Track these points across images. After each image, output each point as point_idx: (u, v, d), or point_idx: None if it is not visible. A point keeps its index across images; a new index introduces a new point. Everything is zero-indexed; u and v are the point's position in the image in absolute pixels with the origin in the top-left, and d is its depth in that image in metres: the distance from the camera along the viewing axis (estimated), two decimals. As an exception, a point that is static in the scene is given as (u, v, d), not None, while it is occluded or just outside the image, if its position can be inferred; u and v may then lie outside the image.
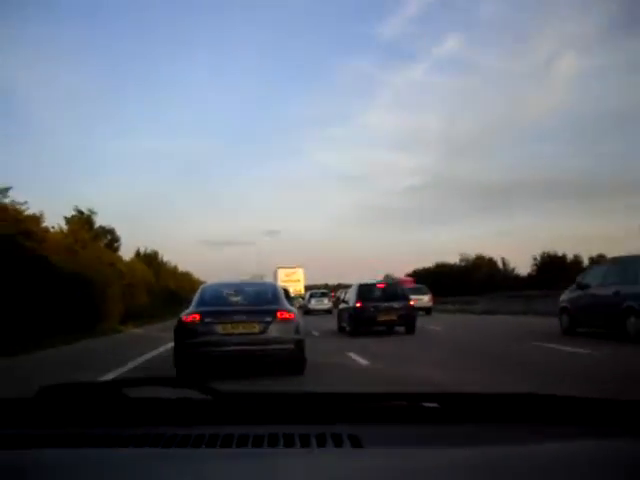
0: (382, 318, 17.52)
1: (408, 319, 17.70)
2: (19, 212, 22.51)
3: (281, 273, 52.76)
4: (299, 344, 8.92)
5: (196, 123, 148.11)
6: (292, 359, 8.85)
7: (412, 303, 18.37)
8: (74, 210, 41.36)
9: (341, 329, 19.28)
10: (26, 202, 22.56)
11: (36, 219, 24.39)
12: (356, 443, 1.14)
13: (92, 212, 44.44)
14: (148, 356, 12.49)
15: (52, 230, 31.57)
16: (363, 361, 10.59)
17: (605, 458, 1.04)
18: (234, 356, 8.66)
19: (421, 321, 20.63)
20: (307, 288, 51.42)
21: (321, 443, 1.15)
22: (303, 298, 40.02)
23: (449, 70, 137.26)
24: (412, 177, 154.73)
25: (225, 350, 8.61)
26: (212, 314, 8.93)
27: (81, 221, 33.46)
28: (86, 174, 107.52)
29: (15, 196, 22.97)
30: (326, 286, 55.99)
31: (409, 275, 61.36)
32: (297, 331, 9.05)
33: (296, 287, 49.59)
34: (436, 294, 51.88)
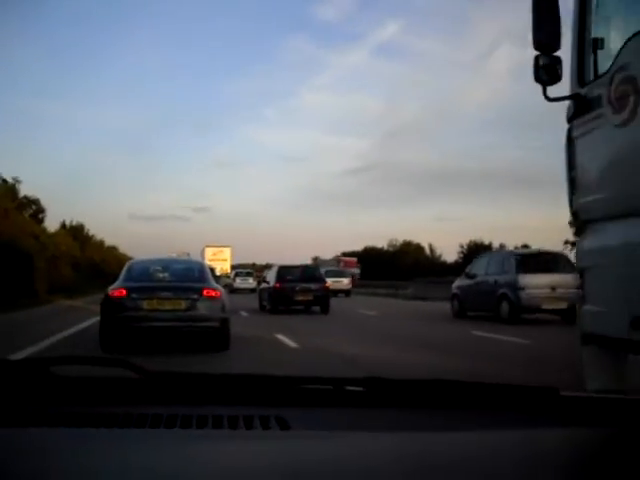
0: (299, 298, 19.02)
1: (323, 299, 19.14)
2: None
3: (208, 252, 52.82)
4: (224, 322, 9.10)
5: (131, 94, 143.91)
6: (217, 336, 8.99)
7: (327, 285, 20.08)
8: (-2, 178, 39.98)
9: (262, 307, 20.35)
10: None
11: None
12: (283, 425, 1.15)
13: (17, 181, 42.81)
14: (66, 333, 12.06)
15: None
16: (286, 339, 11.21)
17: (517, 445, 1.08)
18: (160, 332, 8.78)
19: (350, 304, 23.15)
20: (235, 267, 51.65)
21: (249, 425, 1.15)
22: (229, 277, 40.54)
23: (390, 54, 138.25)
24: (350, 161, 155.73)
25: (151, 326, 8.69)
26: (138, 290, 9.03)
27: (3, 189, 32.08)
28: (10, 140, 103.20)
29: None
30: (254, 265, 56.89)
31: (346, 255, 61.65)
32: (223, 309, 9.23)
33: (223, 266, 49.98)
34: (364, 278, 52.60)
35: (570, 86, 3.51)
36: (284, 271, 20.00)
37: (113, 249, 65.10)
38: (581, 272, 3.74)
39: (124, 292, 8.99)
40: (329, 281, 23.72)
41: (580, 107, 3.38)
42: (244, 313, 17.91)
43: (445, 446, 1.07)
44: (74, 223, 50.48)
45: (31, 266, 28.19)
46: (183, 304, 8.96)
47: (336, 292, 29.25)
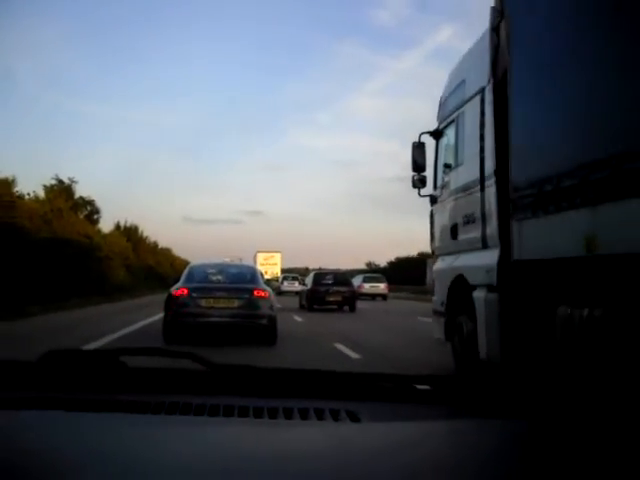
0: (330, 298, 22.88)
1: (350, 300, 23.14)
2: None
3: (260, 257, 55.17)
4: (271, 319, 10.17)
5: (187, 100, 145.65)
6: (266, 331, 10.05)
7: (354, 289, 24.57)
8: (54, 179, 39.85)
9: (302, 306, 23.92)
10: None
11: (6, 184, 22.59)
12: (354, 418, 1.17)
13: (72, 181, 42.68)
14: (120, 333, 11.45)
15: (27, 198, 29.93)
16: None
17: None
18: (215, 326, 9.91)
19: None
20: (285, 271, 53.42)
21: (320, 417, 1.18)
22: (277, 280, 42.52)
23: (444, 59, 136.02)
24: (402, 167, 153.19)
25: (207, 321, 9.87)
26: (198, 290, 10.14)
27: (58, 190, 31.52)
28: (70, 144, 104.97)
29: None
30: (307, 269, 57.50)
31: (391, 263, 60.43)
32: (271, 308, 10.33)
33: (273, 270, 52.37)
34: (418, 283, 51.11)
35: (432, 189, 7.82)
36: (319, 276, 24.13)
37: (167, 251, 64.92)
38: (433, 279, 7.88)
39: (185, 291, 10.10)
40: (367, 286, 32.14)
41: (433, 199, 7.67)
42: (286, 311, 19.66)
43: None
44: (128, 224, 50.03)
45: (83, 266, 27.43)
46: (236, 302, 10.04)
47: (374, 296, 33.25)
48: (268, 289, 10.96)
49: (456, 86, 7.07)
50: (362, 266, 47.98)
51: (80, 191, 41.20)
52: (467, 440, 1.06)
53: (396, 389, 1.35)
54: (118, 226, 47.84)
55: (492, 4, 5.94)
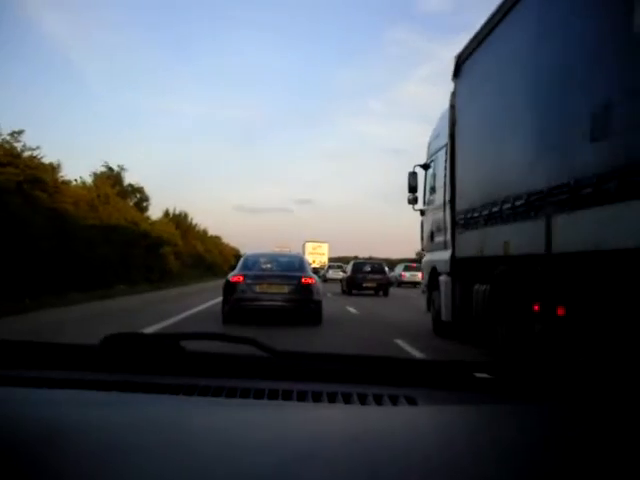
0: (366, 284, 26.01)
1: (384, 287, 26.31)
2: (31, 159, 19.95)
3: (309, 246, 56.98)
4: (317, 303, 11.23)
5: (238, 90, 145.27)
6: (312, 313, 11.09)
7: (388, 276, 28.08)
8: (103, 166, 39.48)
9: (343, 291, 26.87)
10: (38, 147, 19.95)
11: (51, 168, 21.88)
12: (412, 402, 1.17)
13: (122, 168, 42.20)
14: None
15: (75, 183, 29.35)
16: (354, 310, 16.11)
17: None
18: (267, 309, 10.99)
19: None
20: (337, 259, 56.82)
21: (378, 401, 1.18)
22: (323, 269, 44.50)
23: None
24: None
25: (261, 304, 10.96)
26: (252, 277, 11.20)
27: (105, 176, 30.88)
28: (125, 134, 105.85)
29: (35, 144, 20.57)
30: (356, 258, 56.97)
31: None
32: (316, 293, 11.29)
33: (321, 259, 53.90)
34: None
35: (422, 204, 11.01)
36: (357, 265, 27.34)
37: (216, 239, 64.44)
38: (423, 270, 11.43)
39: (241, 278, 11.15)
40: (407, 274, 36.86)
41: (422, 212, 11.03)
42: (329, 294, 21.21)
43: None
44: (177, 212, 49.45)
45: (130, 253, 26.72)
46: (286, 288, 11.07)
47: (415, 283, 33.92)
48: (314, 276, 11.92)
49: (435, 136, 10.31)
50: (413, 255, 46.90)
51: (132, 179, 40.98)
52: (524, 426, 1.05)
53: (454, 376, 1.32)
54: (167, 213, 47.27)
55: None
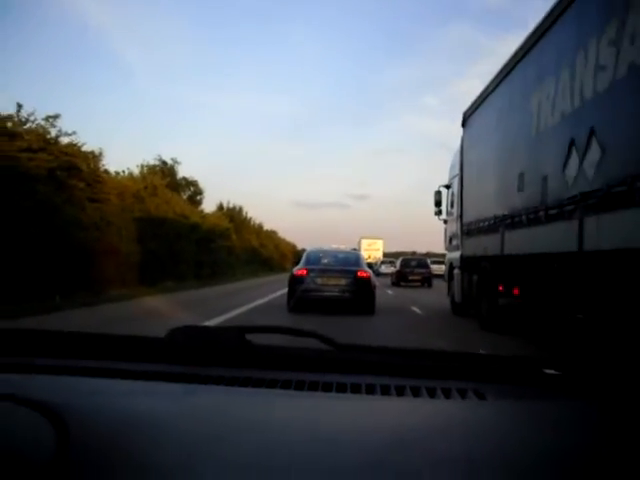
0: (411, 277, 30.32)
1: (428, 279, 30.00)
2: (69, 146, 18.09)
3: (364, 242, 60.78)
4: (371, 295, 12.70)
5: (296, 85, 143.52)
6: (366, 304, 12.46)
7: (431, 270, 31.10)
8: (156, 159, 38.14)
9: (393, 283, 30.60)
10: (74, 132, 18.08)
11: (92, 156, 20.03)
12: (480, 396, 1.14)
13: (175, 162, 40.94)
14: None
15: (122, 175, 27.66)
16: (392, 292, 23.47)
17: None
18: (327, 299, 12.46)
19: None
20: (393, 254, 57.26)
21: (447, 395, 1.15)
22: (377, 264, 46.58)
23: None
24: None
25: (321, 295, 12.50)
26: (314, 270, 12.69)
27: (156, 168, 28.95)
28: (180, 127, 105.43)
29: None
30: (414, 253, 57.87)
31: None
32: (371, 286, 12.75)
33: (376, 255, 56.52)
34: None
35: (445, 215, 14.74)
36: (404, 261, 32.12)
37: (272, 233, 62.57)
38: (445, 264, 16.15)
39: (305, 272, 12.67)
40: (435, 267, 33.45)
41: (445, 221, 14.82)
42: (380, 285, 21.49)
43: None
44: (231, 205, 47.59)
45: (178, 247, 24.79)
46: (343, 281, 12.54)
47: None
48: (369, 271, 13.28)
49: (452, 166, 13.95)
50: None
51: (188, 173, 39.50)
52: (593, 425, 1.03)
53: (523, 371, 1.29)
54: (221, 207, 45.46)
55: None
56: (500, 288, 9.39)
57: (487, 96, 10.38)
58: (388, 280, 32.98)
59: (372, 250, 58.35)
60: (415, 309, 14.72)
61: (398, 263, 32.71)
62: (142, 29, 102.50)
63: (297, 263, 13.79)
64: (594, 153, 5.82)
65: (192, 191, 45.17)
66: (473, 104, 11.47)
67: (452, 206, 13.76)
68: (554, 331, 7.54)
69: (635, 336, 5.06)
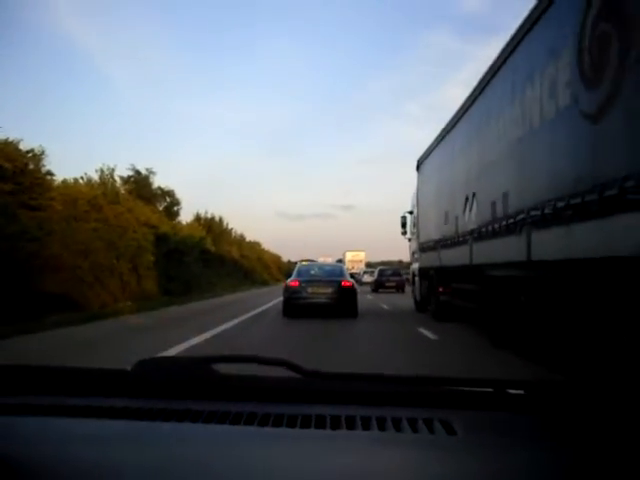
0: (387, 284, 34.26)
1: (401, 286, 33.38)
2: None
3: (348, 255, 64.24)
4: (353, 301, 14.38)
5: (276, 96, 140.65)
6: (349, 309, 14.18)
7: (403, 278, 33.57)
8: (129, 168, 34.92)
9: (372, 290, 34.24)
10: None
11: (33, 156, 16.59)
12: (449, 430, 1.09)
13: (150, 172, 38.10)
14: None
15: (81, 181, 24.19)
16: (370, 296, 26.98)
17: None
18: (316, 305, 14.07)
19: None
20: (381, 263, 60.57)
21: (414, 428, 1.10)
22: (359, 274, 50.00)
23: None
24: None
25: (311, 301, 14.15)
26: (305, 281, 14.46)
27: (109, 173, 25.33)
28: (159, 139, 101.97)
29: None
30: (400, 262, 58.83)
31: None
32: (353, 293, 14.49)
33: (359, 265, 60.30)
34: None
35: (409, 234, 17.65)
36: (381, 270, 36.91)
37: (255, 245, 59.06)
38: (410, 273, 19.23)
39: (297, 282, 14.41)
40: (365, 276, 45.79)
41: (409, 239, 17.79)
42: (361, 292, 21.66)
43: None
44: (209, 215, 44.04)
45: (139, 260, 21.33)
46: (330, 289, 14.22)
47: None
48: (352, 280, 15.21)
49: (413, 196, 16.50)
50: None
51: (165, 184, 36.13)
52: (564, 444, 1.02)
53: (488, 395, 1.26)
54: (198, 217, 41.92)
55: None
56: (441, 289, 12.69)
57: (431, 151, 13.67)
58: (369, 288, 36.41)
59: (355, 262, 61.67)
60: (385, 307, 19.13)
61: (376, 273, 37.14)
62: (117, 37, 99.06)
63: (289, 276, 15.57)
64: (474, 209, 9.51)
65: (168, 202, 41.87)
66: (423, 154, 14.68)
67: (414, 227, 16.43)
68: (469, 317, 10.79)
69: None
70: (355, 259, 62.95)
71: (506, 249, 7.45)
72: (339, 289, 14.16)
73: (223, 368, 1.32)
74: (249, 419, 1.13)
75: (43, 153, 17.83)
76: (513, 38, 7.40)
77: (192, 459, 0.93)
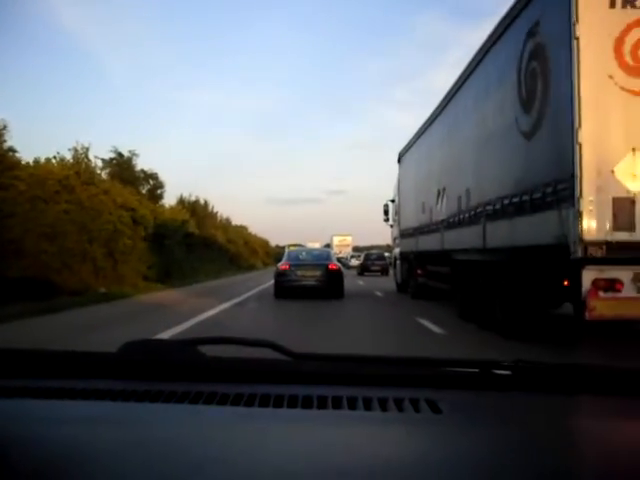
0: (372, 268, 35.77)
1: (385, 269, 34.08)
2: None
3: (335, 239, 65.62)
4: (340, 283, 15.34)
5: (267, 81, 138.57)
6: (336, 290, 15.09)
7: (387, 262, 34.34)
8: (112, 151, 33.24)
9: (359, 273, 35.87)
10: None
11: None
12: (435, 408, 1.09)
13: (133, 154, 36.66)
14: None
15: (54, 161, 22.53)
16: (353, 277, 29.13)
17: None
18: (305, 287, 14.94)
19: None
20: (369, 248, 61.03)
21: (400, 407, 1.11)
22: (347, 258, 51.79)
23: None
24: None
25: (300, 284, 15.01)
26: (295, 265, 15.43)
27: (83, 153, 23.57)
28: (147, 124, 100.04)
29: None
30: (389, 246, 56.71)
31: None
32: (340, 275, 15.45)
33: (346, 249, 61.60)
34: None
35: (391, 221, 19.01)
36: (367, 255, 39.18)
37: (242, 229, 57.47)
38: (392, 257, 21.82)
39: (287, 266, 15.35)
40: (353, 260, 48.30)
41: (391, 226, 18.98)
42: (349, 275, 25.15)
43: (596, 436, 1.01)
44: (193, 198, 42.34)
45: (114, 245, 19.79)
46: (318, 272, 15.09)
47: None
48: (338, 264, 16.13)
49: (395, 186, 17.83)
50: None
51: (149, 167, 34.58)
52: (550, 421, 1.05)
53: (474, 375, 1.27)
54: (182, 200, 40.27)
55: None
56: (419, 272, 14.30)
57: (410, 146, 15.14)
58: (356, 272, 38.61)
59: (343, 246, 62.95)
60: (361, 283, 23.42)
61: (362, 257, 40.06)
62: (108, 23, 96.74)
63: (278, 260, 17.12)
64: (444, 201, 11.02)
65: (152, 185, 40.15)
66: (404, 148, 16.12)
67: (396, 215, 17.68)
68: (443, 296, 12.17)
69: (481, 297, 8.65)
70: (342, 243, 64.58)
71: (469, 237, 9.02)
72: (326, 272, 15.10)
73: (210, 350, 1.31)
74: (235, 400, 1.13)
75: (5, 128, 16.24)
76: (474, 58, 8.83)
77: (177, 440, 0.93)
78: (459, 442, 0.94)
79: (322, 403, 1.11)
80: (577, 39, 5.39)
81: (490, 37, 7.87)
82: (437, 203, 11.40)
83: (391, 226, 19.03)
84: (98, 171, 24.11)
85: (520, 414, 1.09)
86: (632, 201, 5.48)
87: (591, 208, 5.46)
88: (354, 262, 46.40)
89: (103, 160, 33.77)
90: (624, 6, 5.45)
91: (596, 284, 5.63)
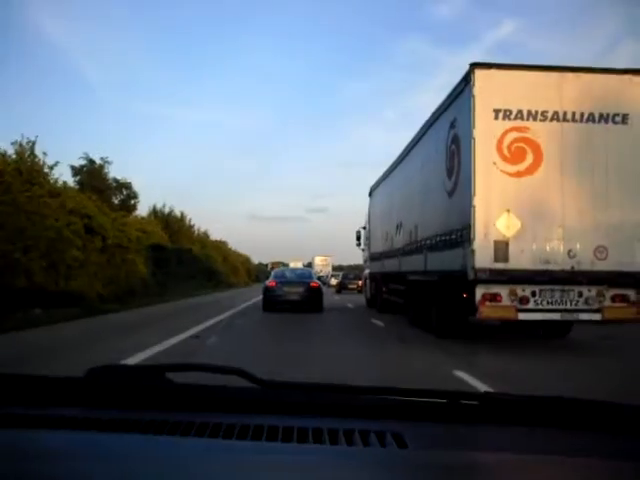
0: (349, 286, 39.18)
1: (360, 288, 33.26)
2: None
3: (317, 259, 70.74)
4: (319, 299, 17.78)
5: (251, 99, 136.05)
6: (316, 305, 17.40)
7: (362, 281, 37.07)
8: (82, 157, 30.13)
9: (337, 291, 39.46)
10: None
11: None
12: (400, 443, 1.10)
13: (106, 161, 33.98)
14: None
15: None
16: (333, 295, 33.42)
17: None
18: (290, 302, 17.21)
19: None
20: (352, 267, 66.46)
21: (365, 441, 1.11)
22: (326, 277, 57.23)
23: (506, 53, 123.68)
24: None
25: (286, 298, 17.29)
26: (281, 282, 17.82)
27: (28, 148, 19.80)
28: (136, 144, 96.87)
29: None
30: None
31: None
32: (320, 292, 18.03)
33: (326, 269, 66.43)
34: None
35: (362, 245, 22.87)
36: (344, 275, 44.04)
37: (220, 244, 53.76)
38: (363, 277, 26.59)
39: (274, 283, 17.65)
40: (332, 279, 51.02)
41: (363, 250, 22.64)
42: (328, 294, 29.90)
43: (567, 472, 1.02)
44: (167, 210, 38.64)
45: (57, 257, 16.12)
46: (301, 289, 17.40)
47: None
48: (319, 282, 19.07)
49: (366, 214, 21.17)
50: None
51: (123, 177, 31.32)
52: (517, 451, 1.07)
53: (443, 406, 1.28)
54: (155, 211, 36.60)
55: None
56: (384, 289, 17.25)
57: (379, 184, 18.52)
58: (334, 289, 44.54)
59: (323, 265, 68.69)
60: (347, 304, 23.54)
61: (340, 276, 44.68)
62: (93, 38, 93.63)
63: (259, 280, 26.11)
64: (401, 232, 13.95)
65: (125, 194, 36.55)
66: (374, 184, 19.65)
67: (367, 240, 21.29)
68: (400, 309, 14.57)
69: (426, 312, 11.24)
70: (323, 263, 71.50)
71: (416, 262, 12.29)
72: (308, 289, 17.56)
73: (177, 377, 1.30)
74: (200, 430, 1.12)
75: None
76: (421, 129, 12.20)
77: (140, 471, 0.92)
78: (423, 474, 0.96)
79: (287, 435, 1.11)
80: (474, 138, 8.42)
81: (430, 117, 11.32)
82: (396, 234, 15.06)
83: (362, 250, 23.26)
84: (46, 170, 20.25)
85: (488, 446, 1.11)
86: (506, 243, 8.35)
87: (480, 247, 8.34)
88: (333, 281, 50.87)
89: (72, 167, 31.16)
90: (503, 119, 8.46)
91: (484, 296, 8.48)
